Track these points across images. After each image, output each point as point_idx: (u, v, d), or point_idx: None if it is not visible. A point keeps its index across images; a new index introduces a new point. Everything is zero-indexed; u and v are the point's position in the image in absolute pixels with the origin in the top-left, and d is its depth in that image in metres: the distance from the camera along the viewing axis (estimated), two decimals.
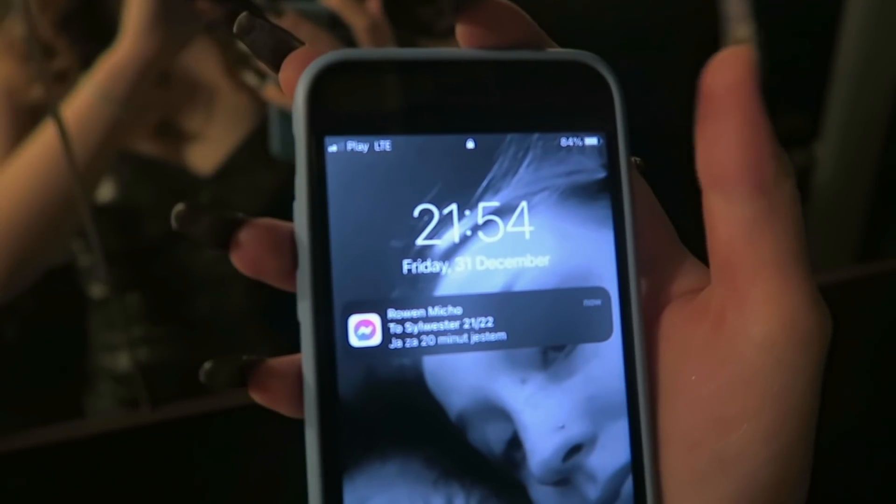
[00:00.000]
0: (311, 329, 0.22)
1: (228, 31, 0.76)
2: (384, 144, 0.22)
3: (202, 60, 0.80)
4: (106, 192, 0.78)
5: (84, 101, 0.68)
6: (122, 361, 0.82)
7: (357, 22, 0.66)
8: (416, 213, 0.22)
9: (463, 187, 0.23)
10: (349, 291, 0.22)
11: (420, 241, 0.22)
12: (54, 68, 0.74)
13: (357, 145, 0.22)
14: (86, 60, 0.72)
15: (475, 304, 0.23)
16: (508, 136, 0.23)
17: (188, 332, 0.82)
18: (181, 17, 0.68)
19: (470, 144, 0.23)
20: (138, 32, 0.67)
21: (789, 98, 1.52)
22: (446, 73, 0.23)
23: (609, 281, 0.24)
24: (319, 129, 0.22)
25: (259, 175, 0.78)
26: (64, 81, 0.73)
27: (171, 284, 0.81)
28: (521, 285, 0.23)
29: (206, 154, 0.79)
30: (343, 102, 0.22)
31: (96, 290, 0.82)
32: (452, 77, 0.23)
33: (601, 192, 0.24)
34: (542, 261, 0.23)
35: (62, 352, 0.88)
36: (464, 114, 0.23)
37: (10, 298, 0.75)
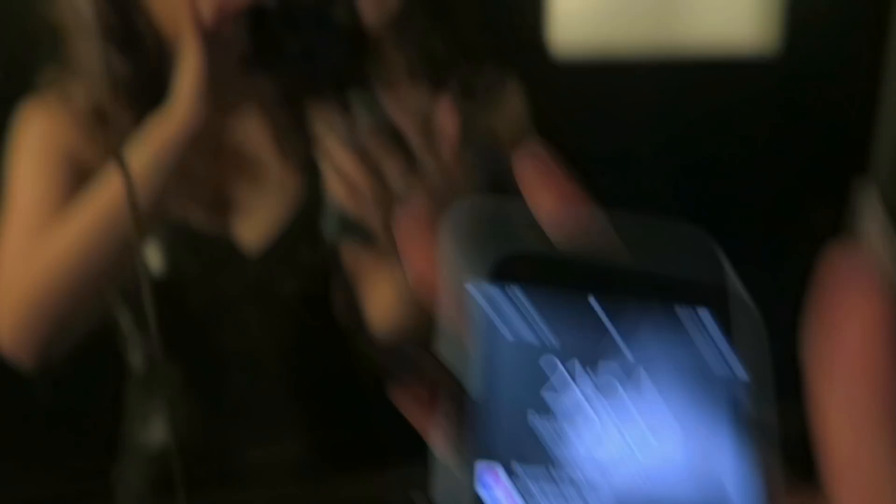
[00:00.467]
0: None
1: (282, 104, 0.77)
2: (517, 294, 0.23)
3: (250, 132, 0.81)
4: (153, 262, 0.78)
5: (138, 171, 0.69)
6: (156, 435, 0.81)
7: (431, 163, 0.64)
8: (541, 364, 0.23)
9: (587, 345, 0.23)
10: (482, 443, 0.22)
11: (544, 394, 0.22)
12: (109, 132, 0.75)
13: (494, 293, 0.23)
14: (138, 124, 0.72)
15: (592, 471, 0.22)
16: (631, 300, 0.23)
17: (221, 409, 0.81)
18: (233, 87, 0.68)
19: (594, 303, 0.23)
20: (191, 102, 0.67)
21: (821, 193, 1.51)
22: None
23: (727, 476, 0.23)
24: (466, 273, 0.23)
25: (303, 255, 0.78)
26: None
27: (209, 359, 0.81)
28: (640, 461, 0.22)
29: (253, 227, 0.79)
30: (485, 254, 0.23)
31: (136, 359, 0.82)
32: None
33: (714, 368, 0.23)
34: (660, 437, 0.23)
35: (93, 418, 0.87)
36: (591, 273, 0.23)
37: (50, 362, 0.75)
